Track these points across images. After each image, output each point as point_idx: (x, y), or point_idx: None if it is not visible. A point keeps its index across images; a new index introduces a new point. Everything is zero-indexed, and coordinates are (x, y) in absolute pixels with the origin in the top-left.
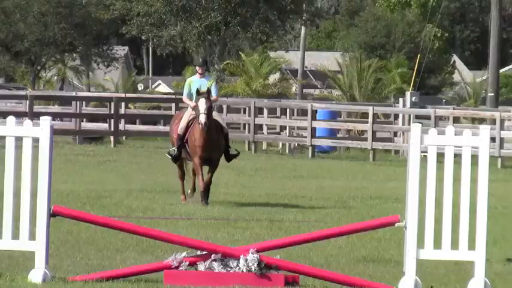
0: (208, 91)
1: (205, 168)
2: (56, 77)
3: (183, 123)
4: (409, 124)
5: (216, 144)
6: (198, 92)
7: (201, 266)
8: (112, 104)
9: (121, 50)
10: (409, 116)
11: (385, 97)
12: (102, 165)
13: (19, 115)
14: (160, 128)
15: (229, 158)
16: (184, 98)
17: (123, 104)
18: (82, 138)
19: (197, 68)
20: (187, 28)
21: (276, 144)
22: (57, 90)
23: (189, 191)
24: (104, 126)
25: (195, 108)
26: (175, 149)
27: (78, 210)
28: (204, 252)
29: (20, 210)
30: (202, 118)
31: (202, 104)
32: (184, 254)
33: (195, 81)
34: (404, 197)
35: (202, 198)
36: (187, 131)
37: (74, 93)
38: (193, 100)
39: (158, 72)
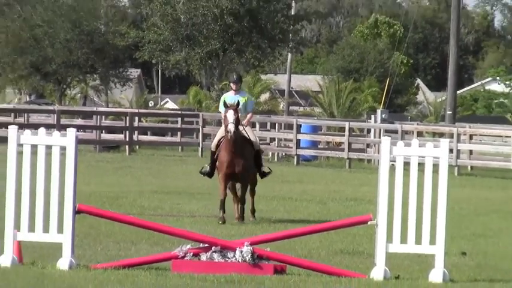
0: (237, 104)
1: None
2: (79, 95)
3: (215, 140)
4: (380, 137)
5: (241, 161)
6: (226, 105)
7: (203, 257)
8: (127, 118)
9: (134, 72)
10: (380, 130)
11: (359, 114)
12: (118, 170)
13: (48, 127)
14: (168, 138)
15: (262, 175)
16: (222, 114)
17: (136, 118)
18: (102, 147)
19: (231, 84)
20: (191, 54)
21: (266, 154)
22: (80, 106)
23: (235, 217)
24: (120, 137)
25: (224, 119)
26: (208, 166)
27: (99, 208)
28: (206, 245)
29: (49, 208)
30: (231, 127)
31: (230, 115)
32: (189, 246)
33: (229, 98)
34: (376, 199)
35: (239, 215)
36: (218, 146)
37: (94, 109)
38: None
39: (166, 91)
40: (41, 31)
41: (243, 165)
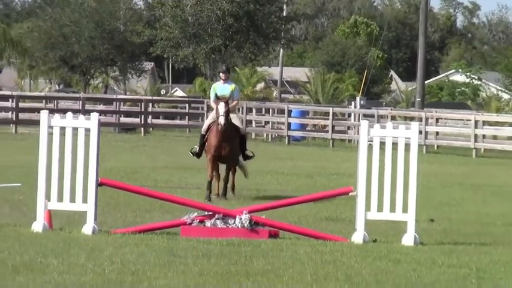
0: (228, 97)
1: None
2: (101, 84)
3: (205, 125)
4: (359, 121)
5: (228, 146)
6: (218, 97)
7: (208, 223)
8: (142, 104)
9: (148, 65)
10: (359, 114)
11: (341, 101)
12: (135, 148)
13: (74, 112)
14: (177, 122)
15: (245, 157)
16: (212, 102)
17: (150, 104)
18: (120, 129)
19: (221, 74)
20: (197, 49)
21: (262, 135)
22: (102, 94)
23: (211, 194)
24: (136, 120)
25: (216, 110)
26: (197, 147)
27: (118, 181)
28: (210, 213)
29: (75, 181)
30: (221, 119)
31: (221, 107)
32: (195, 214)
33: (218, 86)
34: (356, 173)
35: (221, 193)
36: (208, 130)
37: (114, 96)
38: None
39: (176, 81)
40: (68, 30)
41: (230, 149)
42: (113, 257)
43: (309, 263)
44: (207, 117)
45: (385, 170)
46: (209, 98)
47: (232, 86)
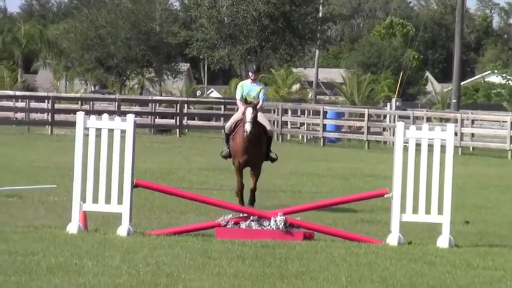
0: (257, 102)
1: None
2: (136, 85)
3: (230, 123)
4: (395, 122)
5: (256, 152)
6: (246, 101)
7: (243, 225)
8: (178, 105)
9: (184, 66)
10: (394, 116)
11: (377, 102)
12: (170, 150)
13: (110, 113)
14: (213, 123)
15: (267, 159)
16: (238, 100)
17: (185, 105)
18: (156, 130)
19: (250, 73)
20: (233, 50)
21: (297, 136)
22: (137, 95)
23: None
24: (171, 121)
25: (243, 115)
26: (227, 149)
27: (154, 183)
28: (245, 215)
29: (111, 183)
30: (248, 126)
31: (249, 113)
32: (230, 215)
33: (246, 86)
34: (391, 175)
35: (250, 201)
36: (233, 130)
37: (150, 97)
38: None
39: (211, 82)
40: (104, 31)
41: (257, 153)
42: (148, 258)
43: (343, 265)
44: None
45: (420, 172)
46: (236, 94)
47: (260, 86)
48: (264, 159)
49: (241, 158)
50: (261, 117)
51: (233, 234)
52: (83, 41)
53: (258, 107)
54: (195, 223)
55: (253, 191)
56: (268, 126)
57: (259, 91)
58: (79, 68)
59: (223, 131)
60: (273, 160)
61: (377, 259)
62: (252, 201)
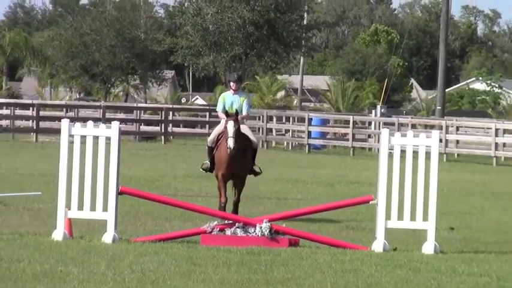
0: (237, 113)
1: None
2: (121, 92)
3: (212, 136)
4: (379, 129)
5: (240, 164)
6: (227, 114)
7: (228, 232)
8: (163, 112)
9: (169, 73)
10: (379, 123)
11: (362, 109)
12: (155, 157)
13: (95, 120)
14: (198, 130)
15: (250, 173)
16: (219, 112)
17: (170, 112)
18: (141, 137)
19: (231, 83)
20: (218, 58)
21: (282, 143)
22: (122, 102)
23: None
24: (156, 128)
25: (225, 129)
26: (208, 163)
27: (139, 190)
28: (230, 222)
29: (96, 190)
30: (231, 143)
31: (230, 127)
32: (215, 222)
33: (228, 97)
34: (376, 182)
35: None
36: (217, 143)
37: (135, 104)
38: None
39: (196, 89)
40: (89, 38)
41: (242, 166)
42: (133, 265)
43: (329, 272)
44: None
45: (405, 179)
46: (217, 106)
47: (243, 97)
48: (248, 172)
49: (224, 171)
50: (245, 128)
51: (218, 241)
52: (67, 48)
53: (241, 117)
54: (180, 230)
55: (236, 203)
56: (252, 138)
57: (242, 102)
58: (64, 76)
59: (206, 145)
60: (257, 174)
61: (362, 266)
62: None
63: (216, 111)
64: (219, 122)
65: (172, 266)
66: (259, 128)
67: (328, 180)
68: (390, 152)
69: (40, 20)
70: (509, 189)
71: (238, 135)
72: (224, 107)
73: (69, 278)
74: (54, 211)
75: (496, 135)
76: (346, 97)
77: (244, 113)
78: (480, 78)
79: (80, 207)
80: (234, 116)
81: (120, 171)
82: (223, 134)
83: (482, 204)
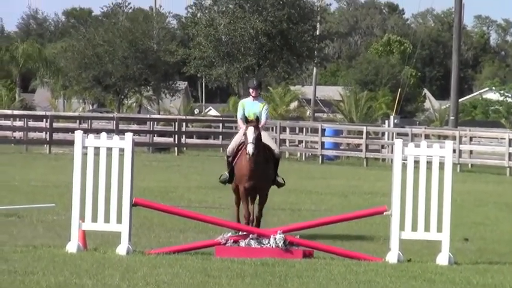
0: (257, 119)
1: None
2: (134, 104)
3: (232, 145)
4: (393, 139)
5: (263, 174)
6: (247, 120)
7: (242, 243)
8: (176, 123)
9: (182, 84)
10: (392, 133)
11: (375, 119)
12: (168, 168)
13: (108, 131)
14: (211, 141)
15: (274, 183)
16: (239, 120)
17: (184, 123)
18: (154, 148)
19: (251, 90)
20: (231, 68)
21: (295, 154)
22: (135, 114)
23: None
24: (170, 140)
25: (244, 136)
26: (227, 174)
27: (152, 202)
28: (244, 233)
29: (110, 201)
30: (250, 148)
31: (250, 133)
32: (229, 234)
33: (247, 103)
34: (390, 192)
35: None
36: (236, 154)
37: (148, 116)
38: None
39: (209, 100)
40: (102, 49)
41: (264, 177)
42: (148, 277)
43: (343, 283)
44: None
45: (419, 189)
46: (237, 113)
47: (263, 104)
48: (271, 184)
49: (247, 183)
50: (266, 137)
51: (232, 253)
52: (80, 59)
53: (260, 125)
54: (194, 241)
55: (258, 219)
56: (274, 147)
57: (262, 108)
58: (77, 87)
59: (225, 155)
60: (280, 185)
61: (376, 277)
62: None
63: (230, 121)
64: (233, 133)
65: (187, 278)
66: (272, 139)
67: (341, 191)
68: (404, 163)
69: (53, 31)
70: None
71: (259, 142)
72: (244, 114)
73: None
74: (68, 223)
75: (510, 145)
76: (359, 108)
77: (263, 120)
78: (493, 88)
79: (94, 219)
80: (254, 122)
81: (133, 183)
82: (243, 144)
83: (496, 215)
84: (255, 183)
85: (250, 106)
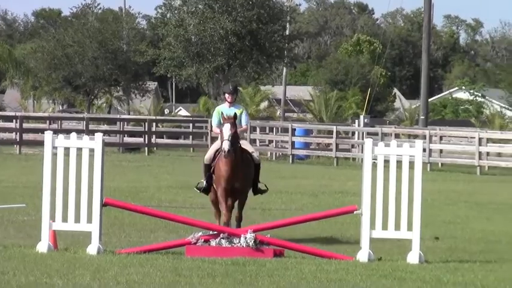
0: (235, 116)
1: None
2: (104, 104)
3: (210, 153)
4: (363, 139)
5: (242, 175)
6: (224, 118)
7: (213, 242)
8: (146, 123)
9: (152, 85)
10: (363, 132)
11: (345, 119)
12: (139, 168)
13: (78, 132)
14: (181, 141)
15: (256, 191)
16: (214, 127)
17: (154, 124)
18: (124, 149)
19: (226, 95)
20: (200, 69)
21: (266, 153)
22: (106, 114)
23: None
24: (140, 140)
25: (220, 134)
26: (204, 182)
27: (123, 202)
28: (215, 232)
29: (80, 202)
30: (226, 145)
31: (226, 130)
32: (200, 233)
33: (224, 110)
34: (360, 191)
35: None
36: (214, 159)
37: (118, 116)
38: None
39: (179, 100)
40: (71, 50)
41: (244, 179)
42: (118, 277)
43: (314, 282)
44: (210, 136)
45: (389, 188)
46: (212, 121)
47: (241, 109)
48: (250, 186)
49: (225, 184)
50: (245, 143)
51: (203, 252)
52: (50, 60)
53: (240, 130)
54: (165, 241)
55: (239, 220)
56: (254, 154)
57: (240, 115)
58: (47, 88)
59: (202, 162)
60: (262, 192)
61: (347, 275)
62: None
63: (200, 121)
64: (203, 133)
65: (158, 277)
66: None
67: (312, 190)
68: (374, 162)
69: (22, 32)
70: (494, 198)
71: (235, 140)
72: (220, 122)
73: None
74: (38, 223)
75: (480, 145)
76: (329, 107)
77: (243, 125)
78: (463, 87)
79: (64, 219)
80: (231, 119)
81: (103, 183)
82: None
83: (466, 214)
84: (233, 183)
85: (227, 113)
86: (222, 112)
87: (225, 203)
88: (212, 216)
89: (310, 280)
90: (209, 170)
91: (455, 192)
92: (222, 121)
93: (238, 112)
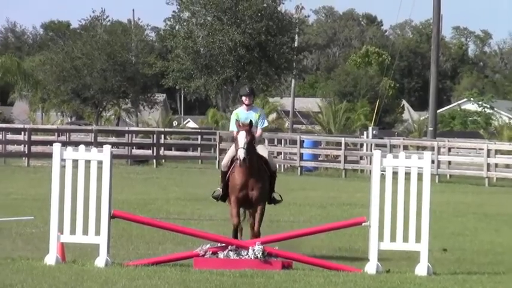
0: (251, 124)
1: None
2: (113, 116)
3: (226, 160)
4: (371, 150)
5: (257, 184)
6: (239, 124)
7: (221, 255)
8: (154, 136)
9: (160, 96)
10: (371, 144)
11: (353, 131)
12: (147, 180)
13: (87, 144)
14: (190, 153)
15: (270, 201)
16: (234, 132)
17: (162, 136)
18: (132, 161)
19: (243, 98)
20: (209, 80)
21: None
22: (114, 126)
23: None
24: (148, 152)
25: (235, 141)
26: (220, 190)
27: (131, 214)
28: (223, 244)
29: (88, 214)
30: (241, 153)
31: (241, 137)
32: (208, 245)
33: (242, 114)
34: (369, 203)
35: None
36: (231, 166)
37: (126, 128)
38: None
39: (188, 112)
40: (80, 62)
41: (259, 188)
42: None
43: None
44: (218, 148)
45: (397, 200)
46: (224, 127)
47: (258, 112)
48: (266, 197)
49: (237, 193)
50: (261, 149)
51: (211, 264)
52: (58, 72)
53: (257, 135)
54: (173, 253)
55: (256, 235)
56: (270, 160)
57: (258, 118)
58: (55, 100)
59: (220, 170)
60: (277, 202)
61: None
62: None
63: (208, 133)
64: (211, 145)
65: None
66: (268, 151)
67: (320, 202)
68: (382, 174)
69: (31, 45)
70: (502, 210)
71: (251, 148)
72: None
73: None
74: (46, 235)
75: (488, 156)
76: (337, 119)
77: (258, 130)
78: (471, 99)
79: (73, 231)
80: (246, 126)
81: (112, 195)
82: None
83: (475, 225)
84: (247, 193)
85: (244, 116)
86: (237, 118)
87: (235, 211)
88: (220, 227)
89: None
90: (225, 176)
91: (463, 204)
92: (237, 128)
93: (256, 116)
